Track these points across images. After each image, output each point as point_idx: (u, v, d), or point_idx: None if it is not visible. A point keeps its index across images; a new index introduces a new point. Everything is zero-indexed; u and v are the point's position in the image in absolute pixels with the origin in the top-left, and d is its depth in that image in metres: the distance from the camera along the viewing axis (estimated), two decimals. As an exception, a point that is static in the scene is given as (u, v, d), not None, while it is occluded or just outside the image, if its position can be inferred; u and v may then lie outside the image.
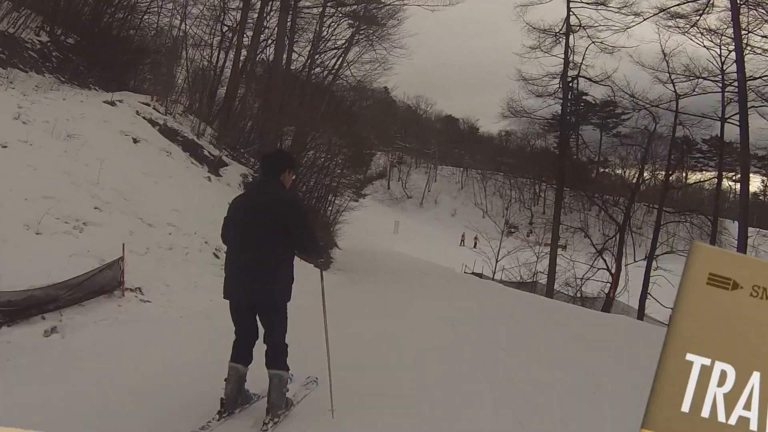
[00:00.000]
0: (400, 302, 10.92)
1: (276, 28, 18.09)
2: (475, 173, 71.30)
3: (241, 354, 3.83)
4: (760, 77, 16.06)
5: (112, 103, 11.38)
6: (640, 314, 18.01)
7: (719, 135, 18.11)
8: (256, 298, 3.73)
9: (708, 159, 27.26)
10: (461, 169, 73.43)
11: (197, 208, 9.82)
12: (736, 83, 16.78)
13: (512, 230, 41.35)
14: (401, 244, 39.70)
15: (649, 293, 18.42)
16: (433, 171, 73.34)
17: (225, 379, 3.80)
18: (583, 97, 26.42)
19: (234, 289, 3.76)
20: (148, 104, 12.57)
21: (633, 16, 19.35)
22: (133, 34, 20.90)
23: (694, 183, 27.40)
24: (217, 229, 4.06)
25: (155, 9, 20.67)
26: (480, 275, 26.78)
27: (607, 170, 35.86)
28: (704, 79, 17.83)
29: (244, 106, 21.06)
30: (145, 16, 21.05)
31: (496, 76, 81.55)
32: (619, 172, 39.76)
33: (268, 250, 3.64)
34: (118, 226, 7.62)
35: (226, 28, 20.05)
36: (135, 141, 10.51)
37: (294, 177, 4.29)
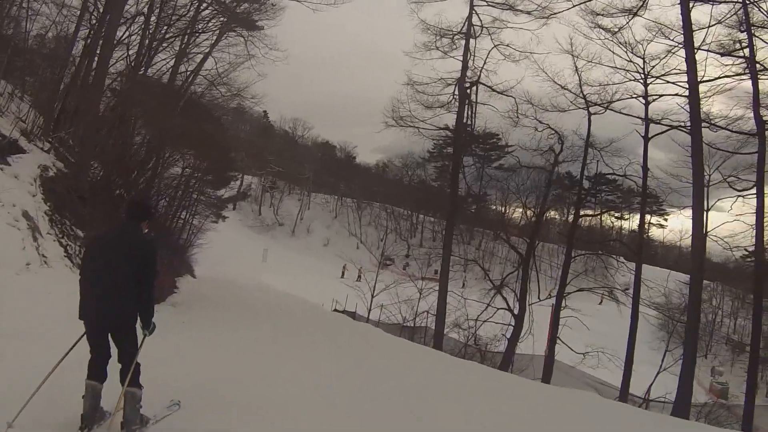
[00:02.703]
0: (240, 359, 7.49)
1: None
2: (350, 202, 68.88)
3: (97, 372, 4.14)
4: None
5: None
6: (549, 361, 15.93)
7: (643, 158, 16.54)
8: (108, 318, 4.14)
9: (592, 195, 26.96)
10: (336, 197, 70.71)
11: None
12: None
13: (388, 262, 38.87)
14: (270, 275, 36.00)
15: (558, 337, 16.37)
16: (306, 198, 69.88)
17: (83, 396, 4.07)
18: (467, 128, 24.54)
19: (89, 310, 4.16)
20: None
21: (546, 19, 17.37)
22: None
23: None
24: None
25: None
26: (353, 314, 23.35)
27: (485, 204, 35.19)
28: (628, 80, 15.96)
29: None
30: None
31: (376, 107, 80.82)
32: (496, 207, 39.73)
33: (121, 278, 4.07)
34: None
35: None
36: None
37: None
